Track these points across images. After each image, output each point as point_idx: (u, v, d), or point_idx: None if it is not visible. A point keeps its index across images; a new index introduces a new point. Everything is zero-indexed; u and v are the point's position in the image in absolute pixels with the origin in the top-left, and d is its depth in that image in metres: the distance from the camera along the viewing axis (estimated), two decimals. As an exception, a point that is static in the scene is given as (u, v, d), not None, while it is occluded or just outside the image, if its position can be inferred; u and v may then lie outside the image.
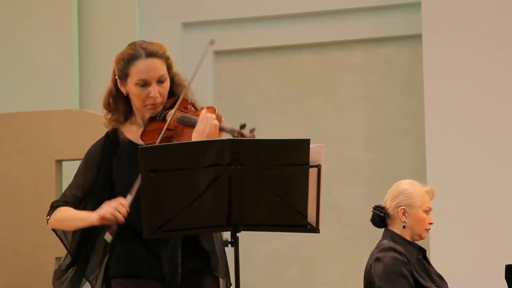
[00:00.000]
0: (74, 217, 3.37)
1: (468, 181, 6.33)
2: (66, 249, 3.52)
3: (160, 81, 3.37)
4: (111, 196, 3.35)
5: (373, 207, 4.33)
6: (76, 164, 3.57)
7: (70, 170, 5.85)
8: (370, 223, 6.84)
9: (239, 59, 7.14)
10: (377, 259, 4.16)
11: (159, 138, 3.26)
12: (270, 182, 3.11)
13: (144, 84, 3.35)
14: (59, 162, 6.01)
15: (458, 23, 6.49)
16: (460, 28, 6.48)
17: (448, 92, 6.48)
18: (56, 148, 5.99)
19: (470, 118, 6.43)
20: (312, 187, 3.16)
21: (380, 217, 4.29)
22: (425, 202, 4.26)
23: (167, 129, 3.29)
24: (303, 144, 3.11)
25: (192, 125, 3.29)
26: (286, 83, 7.17)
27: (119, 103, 3.43)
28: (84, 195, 3.42)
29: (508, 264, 4.35)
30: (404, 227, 4.22)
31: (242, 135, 3.20)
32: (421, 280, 4.14)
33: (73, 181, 3.47)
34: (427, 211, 4.26)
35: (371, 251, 4.32)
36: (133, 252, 3.35)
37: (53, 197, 5.97)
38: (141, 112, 3.40)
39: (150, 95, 3.35)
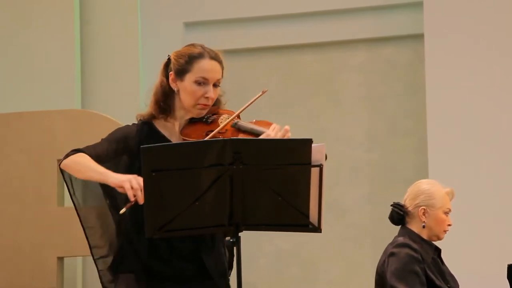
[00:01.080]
0: (92, 167, 3.32)
1: (470, 181, 6.33)
2: (70, 194, 3.46)
3: (215, 85, 3.44)
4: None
5: (392, 204, 4.34)
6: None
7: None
8: (372, 223, 6.84)
9: (240, 59, 7.14)
10: (392, 254, 4.18)
11: (211, 135, 3.30)
12: (272, 182, 3.12)
13: (203, 83, 3.41)
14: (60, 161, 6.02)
15: (460, 23, 6.49)
16: (462, 28, 6.48)
17: (450, 92, 6.48)
18: (58, 148, 5.99)
19: (472, 118, 6.43)
20: (314, 187, 3.16)
21: (399, 215, 4.30)
22: (446, 204, 4.29)
23: (218, 132, 3.36)
24: (305, 144, 3.11)
25: (249, 132, 3.35)
26: (288, 83, 7.17)
27: (170, 101, 3.46)
28: (107, 158, 3.42)
29: (510, 264, 4.36)
30: (423, 227, 4.24)
31: None
32: (435, 280, 4.16)
33: (100, 142, 3.46)
34: (447, 213, 4.29)
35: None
36: (155, 248, 3.35)
37: (55, 197, 6.00)
38: (186, 110, 3.43)
39: (206, 95, 3.41)
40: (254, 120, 3.43)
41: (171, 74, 3.45)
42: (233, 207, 3.11)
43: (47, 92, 6.54)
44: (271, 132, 3.32)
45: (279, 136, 3.31)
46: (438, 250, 4.32)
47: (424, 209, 4.26)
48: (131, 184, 3.20)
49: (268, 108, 7.13)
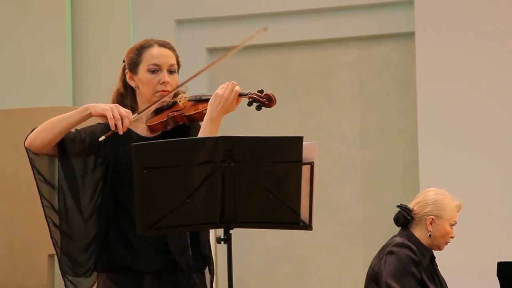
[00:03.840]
0: (64, 115, 3.33)
1: (460, 179, 6.34)
2: (35, 176, 3.47)
3: (170, 71, 3.45)
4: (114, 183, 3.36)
5: (400, 207, 4.35)
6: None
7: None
8: (364, 221, 6.84)
9: (233, 57, 7.13)
10: (391, 252, 4.20)
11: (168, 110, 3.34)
12: (263, 179, 3.11)
13: (156, 70, 3.42)
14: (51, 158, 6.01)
15: (451, 21, 6.51)
16: (452, 26, 6.50)
17: (440, 89, 6.50)
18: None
19: (462, 115, 6.45)
20: (305, 184, 3.15)
21: (406, 219, 4.31)
22: (453, 216, 4.34)
23: (176, 110, 3.38)
24: (296, 142, 3.11)
25: (205, 100, 3.37)
26: (281, 81, 7.18)
27: (127, 101, 3.47)
28: (75, 142, 3.41)
29: (500, 261, 4.38)
30: (429, 236, 4.26)
31: (259, 96, 3.32)
32: (429, 284, 4.18)
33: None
34: (452, 225, 4.32)
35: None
36: (130, 243, 3.35)
37: (47, 195, 5.99)
38: (148, 103, 3.44)
39: (161, 81, 3.41)
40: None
41: (127, 72, 3.48)
42: (224, 205, 3.10)
43: (38, 90, 6.54)
44: (219, 91, 3.32)
45: (227, 92, 3.32)
46: (433, 257, 4.34)
47: (432, 218, 4.28)
48: (113, 113, 3.26)
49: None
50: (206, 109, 3.34)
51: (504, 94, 6.44)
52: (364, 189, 6.96)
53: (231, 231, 3.14)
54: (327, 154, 6.90)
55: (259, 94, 3.35)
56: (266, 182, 3.11)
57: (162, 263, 3.36)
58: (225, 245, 3.14)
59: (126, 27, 6.69)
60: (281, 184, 3.13)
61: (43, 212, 6.16)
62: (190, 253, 3.36)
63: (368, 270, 4.32)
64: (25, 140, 3.41)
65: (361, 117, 7.04)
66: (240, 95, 3.35)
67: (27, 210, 5.96)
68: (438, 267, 4.41)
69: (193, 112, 3.37)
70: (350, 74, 7.08)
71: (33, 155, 3.44)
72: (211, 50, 7.14)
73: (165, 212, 3.09)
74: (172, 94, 3.46)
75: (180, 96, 3.44)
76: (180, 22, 7.17)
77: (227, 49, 7.34)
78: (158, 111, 3.44)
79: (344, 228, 6.94)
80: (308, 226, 3.19)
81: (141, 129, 3.46)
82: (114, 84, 3.55)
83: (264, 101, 3.35)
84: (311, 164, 3.13)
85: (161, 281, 3.36)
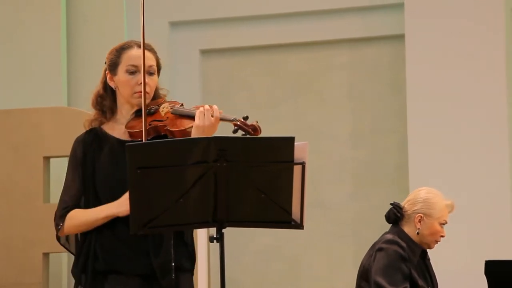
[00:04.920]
0: (94, 218, 3.39)
1: (449, 179, 6.39)
2: (73, 253, 3.53)
3: (149, 73, 3.45)
4: (95, 190, 3.42)
5: (392, 204, 4.39)
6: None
7: (58, 167, 5.88)
8: (355, 220, 6.90)
9: (226, 58, 7.17)
10: (380, 249, 4.24)
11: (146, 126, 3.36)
12: (256, 179, 3.14)
13: (134, 71, 3.43)
14: (46, 159, 6.04)
15: (440, 23, 6.55)
16: (441, 28, 6.54)
17: (430, 91, 6.54)
18: (45, 145, 6.01)
19: (451, 116, 6.50)
20: (296, 184, 3.18)
21: (396, 216, 4.36)
22: (443, 216, 4.36)
23: (158, 120, 3.39)
24: (288, 142, 3.14)
25: (187, 116, 3.37)
26: (274, 82, 7.21)
27: (106, 102, 3.49)
28: (80, 192, 3.46)
29: (488, 259, 4.43)
30: (418, 233, 4.31)
31: (244, 124, 3.30)
32: (418, 280, 4.23)
33: (65, 183, 3.51)
34: (442, 224, 4.36)
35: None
36: (114, 247, 3.39)
37: (41, 194, 6.01)
38: (128, 104, 3.45)
39: (139, 82, 3.41)
40: (193, 106, 3.44)
41: (107, 73, 3.50)
42: (217, 204, 3.13)
43: (33, 90, 6.55)
44: (199, 122, 3.31)
45: (207, 120, 3.31)
46: (424, 253, 4.39)
47: (421, 216, 4.32)
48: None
49: (254, 107, 7.17)
50: (190, 127, 3.33)
51: (493, 96, 6.49)
52: (356, 189, 7.00)
53: (223, 230, 3.17)
54: (319, 153, 6.94)
55: (243, 121, 3.32)
56: (258, 182, 3.14)
57: (148, 266, 3.39)
58: (218, 244, 3.17)
59: (121, 28, 6.72)
60: (273, 184, 3.16)
61: (36, 212, 6.19)
62: (173, 275, 3.37)
63: (359, 268, 4.37)
64: (60, 230, 3.48)
65: (352, 118, 7.08)
66: (224, 119, 3.35)
67: (23, 209, 5.99)
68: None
69: (176, 129, 3.37)
70: (342, 76, 7.12)
71: (65, 241, 3.53)
72: (205, 52, 7.17)
73: (158, 211, 3.11)
74: (151, 96, 3.47)
75: (162, 105, 3.44)
76: (173, 24, 7.19)
77: (221, 51, 7.36)
78: (138, 114, 3.44)
79: (335, 227, 6.97)
80: (299, 225, 3.23)
81: (119, 132, 3.47)
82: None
83: (249, 130, 3.34)
84: (303, 164, 3.16)
85: (147, 284, 3.38)
